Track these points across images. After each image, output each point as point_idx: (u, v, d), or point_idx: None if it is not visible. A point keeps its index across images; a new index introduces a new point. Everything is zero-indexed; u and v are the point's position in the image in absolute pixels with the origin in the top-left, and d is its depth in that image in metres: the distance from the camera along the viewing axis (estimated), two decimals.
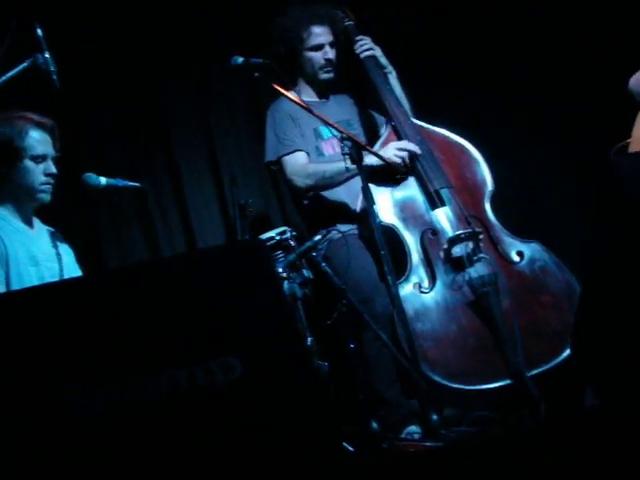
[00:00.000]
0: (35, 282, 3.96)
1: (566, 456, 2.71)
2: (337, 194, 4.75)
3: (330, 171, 4.64)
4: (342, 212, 4.72)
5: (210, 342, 2.60)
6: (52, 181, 4.11)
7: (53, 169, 4.10)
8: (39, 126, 4.09)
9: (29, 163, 4.06)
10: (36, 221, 4.22)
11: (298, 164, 4.76)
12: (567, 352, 4.28)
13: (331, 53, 4.92)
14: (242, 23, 5.50)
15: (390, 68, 5.00)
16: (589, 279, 3.21)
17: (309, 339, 4.00)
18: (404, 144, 4.70)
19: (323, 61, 4.92)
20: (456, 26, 5.79)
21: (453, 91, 5.58)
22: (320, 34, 4.91)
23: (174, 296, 2.65)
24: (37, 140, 4.08)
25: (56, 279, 4.05)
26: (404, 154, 4.66)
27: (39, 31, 3.64)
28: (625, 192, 2.65)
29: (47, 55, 3.65)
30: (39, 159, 4.07)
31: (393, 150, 4.67)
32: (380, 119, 5.01)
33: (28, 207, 4.16)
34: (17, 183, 4.09)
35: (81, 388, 2.49)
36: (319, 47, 4.91)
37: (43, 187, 4.10)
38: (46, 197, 4.12)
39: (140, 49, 5.46)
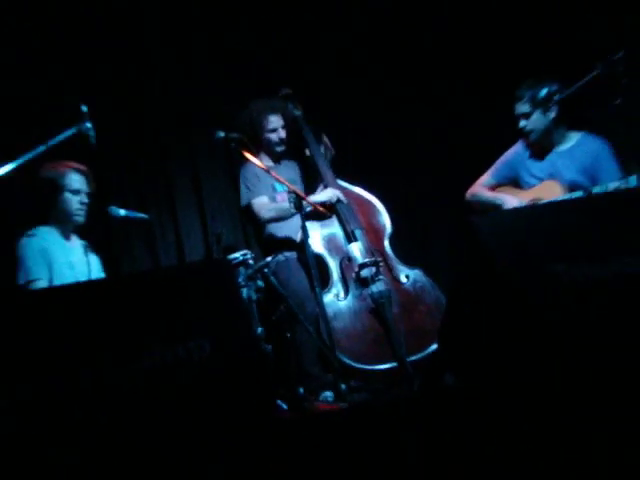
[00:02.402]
0: (71, 281, 3.92)
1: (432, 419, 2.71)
2: (284, 230, 4.71)
3: (284, 207, 4.57)
4: (287, 242, 4.68)
5: (189, 329, 2.55)
6: (85, 208, 4.10)
7: (85, 200, 4.09)
8: (76, 170, 4.09)
9: (68, 195, 4.04)
10: (74, 237, 4.19)
11: (263, 203, 4.74)
12: (433, 347, 4.29)
13: (282, 134, 4.90)
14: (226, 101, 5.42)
15: (323, 144, 5.00)
16: (451, 297, 3.23)
17: (259, 329, 3.97)
18: (337, 191, 4.74)
19: (277, 140, 4.89)
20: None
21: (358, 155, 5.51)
22: (275, 121, 4.88)
23: (166, 295, 2.62)
24: (74, 179, 4.07)
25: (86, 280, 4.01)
26: (335, 197, 4.70)
27: (84, 108, 3.61)
28: (481, 247, 2.65)
29: (89, 125, 3.61)
30: (75, 192, 4.06)
31: (330, 192, 4.70)
32: (311, 179, 5.00)
33: (67, 227, 4.13)
34: (60, 209, 4.07)
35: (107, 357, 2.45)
36: (274, 130, 4.88)
37: (78, 212, 4.08)
38: (80, 219, 4.10)
39: (148, 122, 5.38)
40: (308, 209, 4.47)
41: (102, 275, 4.21)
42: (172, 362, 2.50)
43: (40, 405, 2.36)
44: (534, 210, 3.43)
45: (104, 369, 2.43)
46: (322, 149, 4.96)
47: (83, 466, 2.33)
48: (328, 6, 5.58)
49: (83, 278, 4.02)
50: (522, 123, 4.31)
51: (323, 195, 4.69)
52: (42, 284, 3.88)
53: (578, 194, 4.12)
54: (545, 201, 4.14)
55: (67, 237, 4.13)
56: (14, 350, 2.38)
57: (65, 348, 2.42)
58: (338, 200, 4.71)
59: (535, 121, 4.29)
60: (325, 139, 5.00)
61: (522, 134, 4.37)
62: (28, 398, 2.35)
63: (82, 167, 4.10)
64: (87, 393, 2.40)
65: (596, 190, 4.03)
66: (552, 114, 4.28)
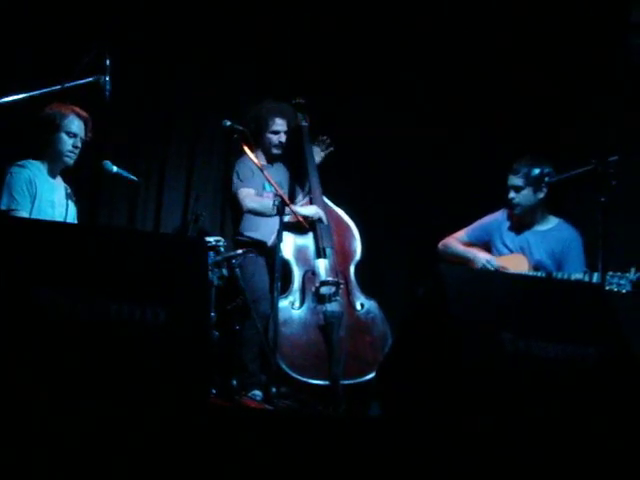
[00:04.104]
0: (49, 219, 3.92)
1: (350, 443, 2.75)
2: (260, 230, 4.71)
3: (267, 205, 4.55)
4: (258, 243, 4.68)
5: (150, 294, 2.57)
6: (76, 152, 4.10)
7: (79, 144, 4.10)
8: (78, 115, 4.09)
9: (64, 135, 4.05)
10: (59, 178, 4.18)
11: (250, 193, 4.74)
12: (369, 376, 4.35)
13: (283, 138, 4.93)
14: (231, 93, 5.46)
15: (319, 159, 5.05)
16: (400, 334, 3.28)
17: (212, 314, 3.96)
18: (319, 210, 4.76)
19: (277, 142, 4.92)
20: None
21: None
22: (279, 124, 4.90)
23: (137, 257, 2.64)
24: (74, 123, 4.07)
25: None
26: (317, 215, 4.73)
27: (107, 62, 3.62)
28: (442, 295, 2.71)
29: (107, 78, 3.63)
30: (71, 135, 4.06)
31: (313, 209, 4.74)
32: (298, 188, 5.03)
33: (56, 166, 4.13)
34: (53, 147, 4.07)
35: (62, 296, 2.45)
36: (276, 132, 4.91)
37: (69, 154, 4.08)
38: (70, 161, 4.11)
39: (160, 93, 5.39)
40: (288, 217, 4.48)
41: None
42: (125, 320, 2.52)
43: None
44: (500, 276, 3.52)
45: (59, 307, 2.43)
46: (316, 167, 5.00)
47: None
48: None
49: (60, 220, 4.01)
50: (511, 195, 4.40)
51: (307, 210, 4.73)
52: (23, 215, 3.88)
53: (540, 274, 4.23)
54: (510, 271, 4.23)
55: (54, 176, 4.14)
56: None
57: (29, 277, 2.42)
58: (319, 219, 4.74)
59: (524, 197, 4.38)
60: (324, 138, 5.05)
61: (508, 205, 4.46)
62: None
63: (84, 114, 4.11)
64: (33, 322, 2.39)
65: (558, 276, 4.14)
66: (541, 194, 4.37)
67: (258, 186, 4.80)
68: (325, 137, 5.09)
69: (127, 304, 2.52)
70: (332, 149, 5.09)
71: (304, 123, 5.09)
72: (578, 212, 4.66)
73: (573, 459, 2.61)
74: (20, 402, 2.31)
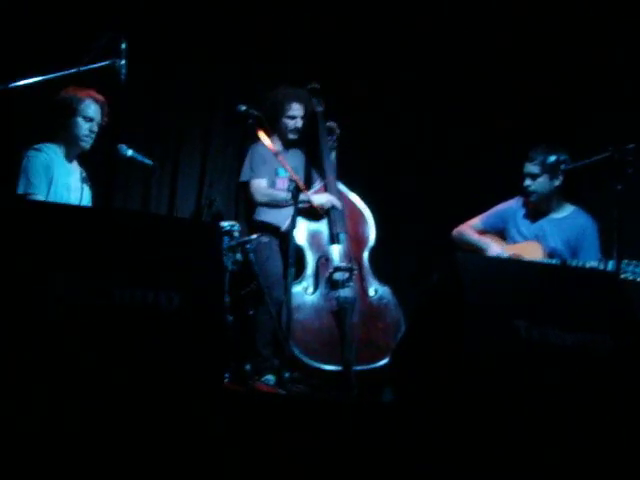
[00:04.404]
0: (65, 202, 3.94)
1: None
2: (273, 215, 4.72)
3: (279, 197, 4.66)
4: (272, 227, 4.70)
5: (164, 278, 2.55)
6: (92, 136, 4.10)
7: (95, 128, 4.10)
8: (94, 99, 4.09)
9: (80, 120, 4.05)
10: (75, 162, 4.19)
11: (260, 186, 4.77)
12: (381, 362, 4.35)
13: (299, 123, 4.92)
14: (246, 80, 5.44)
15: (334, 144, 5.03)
16: (414, 320, 3.27)
17: (226, 299, 3.97)
18: (332, 198, 4.75)
19: (293, 127, 4.91)
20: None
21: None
22: (296, 109, 4.90)
23: (151, 240, 2.63)
24: (90, 107, 4.07)
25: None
26: (329, 204, 4.71)
27: (123, 45, 3.61)
28: (457, 282, 2.69)
29: (123, 62, 3.62)
30: (88, 119, 4.06)
31: (325, 198, 4.71)
32: (314, 173, 5.00)
33: (73, 150, 4.13)
34: (69, 131, 4.08)
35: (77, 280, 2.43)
36: (293, 117, 4.90)
37: (85, 138, 4.08)
38: (86, 145, 4.11)
39: (177, 77, 5.36)
40: (303, 199, 4.47)
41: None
42: (139, 304, 2.51)
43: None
44: (515, 264, 3.50)
45: (75, 291, 2.43)
46: (332, 152, 4.98)
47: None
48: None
49: (75, 203, 4.02)
50: (527, 182, 4.38)
51: (319, 199, 4.71)
52: (39, 198, 3.89)
53: (555, 262, 4.21)
54: (525, 259, 4.21)
55: (70, 160, 4.14)
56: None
57: (45, 261, 2.42)
58: (332, 207, 4.73)
59: (540, 184, 4.35)
60: (332, 124, 5.01)
61: (524, 192, 4.43)
62: None
63: (100, 98, 4.11)
64: (47, 305, 2.38)
65: (573, 263, 4.12)
66: (557, 182, 4.35)
67: (270, 172, 4.80)
68: (333, 123, 5.05)
69: (141, 288, 2.51)
70: (338, 133, 5.04)
71: (319, 108, 5.07)
72: (594, 200, 4.62)
73: (589, 448, 2.60)
74: (36, 389, 2.32)
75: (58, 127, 4.08)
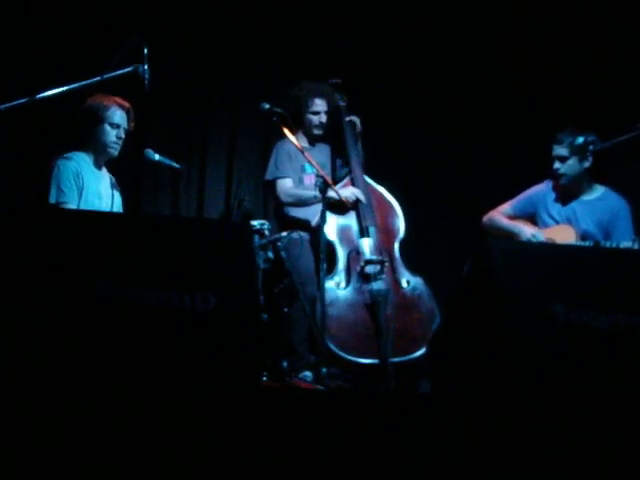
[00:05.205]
0: (96, 209, 3.97)
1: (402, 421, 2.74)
2: (302, 211, 4.73)
3: (304, 196, 4.68)
4: (302, 223, 4.69)
5: (199, 280, 2.58)
6: (120, 143, 4.13)
7: (122, 135, 4.12)
8: (120, 106, 4.11)
9: (107, 127, 4.08)
10: (104, 169, 4.22)
11: (286, 186, 4.78)
12: (418, 353, 4.33)
13: (324, 118, 4.91)
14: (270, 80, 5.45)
15: (360, 138, 5.01)
16: (450, 309, 3.25)
17: (260, 297, 3.96)
18: (357, 191, 4.73)
19: (317, 123, 4.91)
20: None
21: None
22: (319, 104, 4.89)
23: (184, 243, 2.65)
24: (117, 114, 4.09)
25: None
26: (354, 197, 4.70)
27: (146, 50, 3.63)
28: (491, 269, 2.68)
29: (146, 67, 3.63)
30: (115, 126, 4.08)
31: (349, 191, 4.71)
32: (341, 168, 4.99)
33: (101, 157, 4.16)
34: (97, 139, 4.10)
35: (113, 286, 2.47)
36: (317, 113, 4.90)
37: (113, 145, 4.11)
38: (114, 152, 4.13)
39: (200, 79, 5.39)
40: (332, 196, 4.46)
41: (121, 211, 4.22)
42: (176, 307, 2.54)
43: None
44: (548, 248, 3.47)
45: (109, 296, 2.46)
46: (358, 146, 4.97)
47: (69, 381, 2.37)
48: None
49: (106, 210, 4.05)
50: (557, 165, 4.34)
51: (344, 192, 4.69)
52: (72, 207, 3.91)
53: (588, 244, 4.17)
54: (558, 242, 4.18)
55: (99, 167, 4.17)
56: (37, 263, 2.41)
57: (81, 269, 2.45)
58: (357, 200, 4.72)
59: (570, 166, 4.32)
60: (355, 118, 4.99)
61: (554, 175, 4.40)
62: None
63: (126, 104, 4.13)
64: (86, 312, 2.42)
65: (607, 245, 4.08)
66: (587, 163, 4.32)
67: (296, 169, 4.80)
68: (355, 117, 5.02)
69: (177, 291, 2.54)
70: (360, 127, 5.02)
71: (342, 103, 5.05)
72: (624, 180, 4.57)
73: (631, 432, 2.57)
74: (87, 392, 2.35)
75: (86, 135, 4.11)
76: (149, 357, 2.47)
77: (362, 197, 4.72)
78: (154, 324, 2.49)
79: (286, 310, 4.31)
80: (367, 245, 4.66)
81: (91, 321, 2.40)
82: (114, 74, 3.65)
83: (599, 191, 4.41)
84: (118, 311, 2.46)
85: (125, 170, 4.49)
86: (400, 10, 5.62)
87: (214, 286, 2.59)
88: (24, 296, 2.37)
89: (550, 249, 3.38)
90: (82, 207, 3.93)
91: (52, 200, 3.94)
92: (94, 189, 4.06)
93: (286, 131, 4.36)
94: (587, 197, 4.40)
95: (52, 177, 3.96)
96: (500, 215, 4.55)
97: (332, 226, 4.65)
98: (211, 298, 2.57)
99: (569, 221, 4.35)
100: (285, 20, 5.48)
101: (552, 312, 2.66)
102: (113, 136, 4.08)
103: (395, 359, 4.32)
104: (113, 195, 4.18)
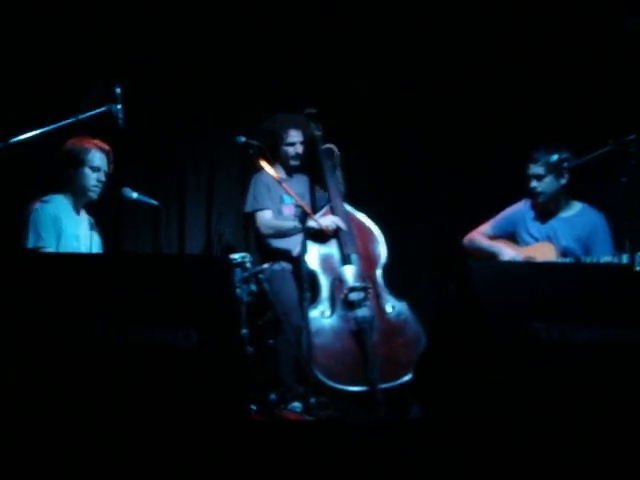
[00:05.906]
0: (75, 251, 3.95)
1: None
2: (283, 242, 4.72)
3: (284, 227, 4.68)
4: (284, 254, 4.68)
5: (180, 317, 2.57)
6: (100, 186, 4.12)
7: (103, 178, 4.11)
8: (99, 148, 4.11)
9: (87, 170, 4.07)
10: (82, 211, 4.21)
11: (265, 218, 4.77)
12: (406, 378, 4.30)
13: (300, 149, 4.92)
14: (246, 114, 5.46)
15: (338, 166, 5.03)
16: (433, 334, 3.26)
17: (244, 330, 3.98)
18: (337, 219, 4.73)
19: (294, 154, 4.91)
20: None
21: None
22: (294, 135, 4.90)
23: (164, 280, 2.65)
24: (96, 157, 4.09)
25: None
26: (334, 225, 4.70)
27: (118, 90, 3.64)
28: (472, 290, 2.69)
29: (119, 107, 3.65)
30: (95, 169, 4.08)
31: (329, 220, 4.71)
32: (320, 197, 4.98)
33: (80, 200, 4.15)
34: (77, 182, 4.10)
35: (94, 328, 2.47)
36: (292, 144, 4.91)
37: (93, 188, 4.10)
38: (94, 195, 4.13)
39: (173, 115, 5.38)
40: (311, 225, 4.47)
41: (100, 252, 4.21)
42: (158, 345, 2.53)
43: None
44: (528, 267, 3.48)
45: (91, 337, 2.46)
46: (336, 174, 4.98)
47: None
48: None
49: (85, 251, 4.03)
50: (534, 184, 4.38)
51: (324, 220, 4.69)
52: (50, 251, 3.88)
53: (569, 260, 4.20)
54: (538, 260, 4.20)
55: (77, 210, 4.16)
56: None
57: (58, 310, 2.45)
58: (338, 228, 4.73)
59: (547, 184, 4.36)
60: (332, 146, 4.99)
61: (531, 194, 4.43)
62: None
63: (106, 146, 4.13)
64: (69, 355, 2.42)
65: (587, 260, 4.11)
66: (563, 180, 4.37)
67: (275, 201, 4.80)
68: (331, 145, 5.04)
69: (159, 329, 2.54)
70: (338, 155, 5.03)
71: (317, 132, 5.06)
72: (601, 195, 4.61)
73: (620, 448, 2.57)
74: (55, 435, 2.32)
75: (65, 178, 4.10)
76: (134, 397, 2.45)
77: (342, 225, 4.73)
78: (138, 362, 2.48)
79: (271, 342, 4.29)
80: (350, 272, 4.65)
81: (70, 364, 2.38)
82: (88, 114, 3.67)
83: (577, 207, 4.45)
84: (103, 352, 2.45)
85: (104, 210, 4.47)
86: (375, 36, 5.66)
87: (196, 322, 2.58)
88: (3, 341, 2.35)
89: (530, 267, 3.38)
90: (61, 251, 3.92)
91: (30, 244, 3.91)
92: (72, 232, 4.04)
93: (263, 163, 4.37)
94: (565, 214, 4.44)
95: (30, 221, 3.95)
96: (480, 236, 4.58)
97: (314, 255, 4.64)
98: (193, 334, 2.57)
99: (549, 239, 4.37)
100: (260, 52, 5.50)
101: (534, 330, 2.67)
102: (94, 179, 4.08)
103: (384, 385, 4.31)
104: (92, 236, 4.16)
